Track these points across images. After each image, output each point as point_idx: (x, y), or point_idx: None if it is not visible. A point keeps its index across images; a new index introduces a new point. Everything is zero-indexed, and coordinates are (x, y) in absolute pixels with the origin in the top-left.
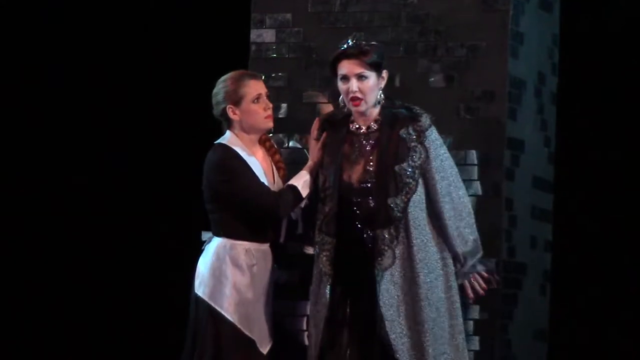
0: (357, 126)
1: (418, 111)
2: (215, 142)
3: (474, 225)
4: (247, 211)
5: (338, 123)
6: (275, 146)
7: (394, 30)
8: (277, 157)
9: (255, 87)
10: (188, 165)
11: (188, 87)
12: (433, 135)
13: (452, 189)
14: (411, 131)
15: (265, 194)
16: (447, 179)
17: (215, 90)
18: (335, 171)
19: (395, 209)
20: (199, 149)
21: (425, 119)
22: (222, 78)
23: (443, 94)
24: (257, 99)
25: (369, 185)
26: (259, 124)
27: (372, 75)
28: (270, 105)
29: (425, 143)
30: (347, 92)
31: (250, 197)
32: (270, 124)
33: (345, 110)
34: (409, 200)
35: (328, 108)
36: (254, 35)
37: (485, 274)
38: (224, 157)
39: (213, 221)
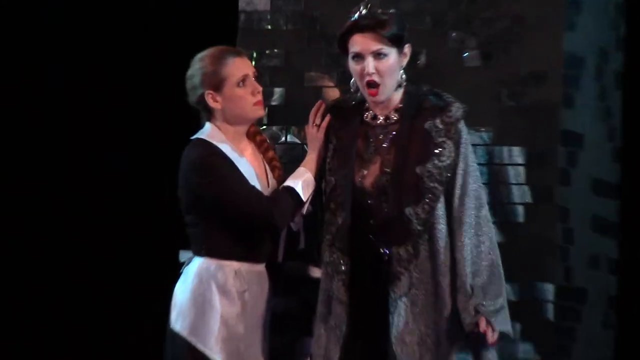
0: (372, 115)
1: (449, 99)
2: (193, 138)
3: (496, 258)
4: (236, 222)
5: (349, 112)
6: (269, 141)
7: None
8: (271, 154)
9: (240, 67)
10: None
11: (164, 67)
12: (465, 131)
13: (473, 205)
14: (439, 124)
15: (257, 200)
16: (473, 192)
17: (189, 72)
18: (347, 174)
19: (414, 220)
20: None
21: (457, 110)
22: (198, 56)
23: (480, 75)
24: (243, 81)
25: (386, 190)
26: (246, 113)
27: (392, 52)
28: (260, 89)
29: (455, 139)
30: (362, 74)
31: (238, 205)
32: (260, 112)
33: (358, 95)
34: (432, 210)
35: (335, 94)
36: (243, 2)
37: (494, 336)
38: (204, 155)
39: (193, 237)
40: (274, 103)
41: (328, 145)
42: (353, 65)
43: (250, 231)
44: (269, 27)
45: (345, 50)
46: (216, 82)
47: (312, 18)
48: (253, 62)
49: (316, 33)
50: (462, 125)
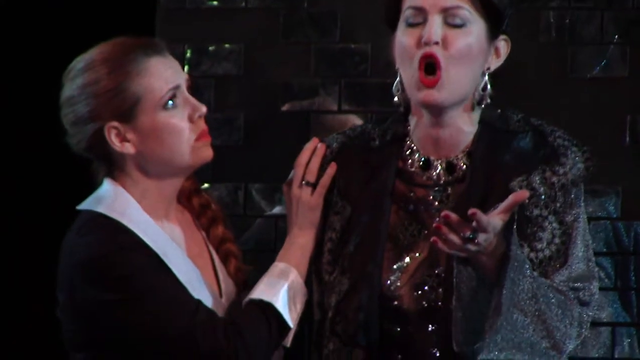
0: (421, 161)
1: (560, 140)
2: (82, 207)
3: None
4: None
5: (373, 156)
6: (215, 206)
7: None
8: (221, 230)
9: (165, 74)
10: None
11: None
12: (582, 201)
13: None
14: (538, 184)
15: (207, 329)
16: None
17: (67, 93)
18: (370, 272)
19: None
20: None
21: (575, 162)
22: (83, 61)
23: (618, 94)
24: (173, 98)
25: (437, 305)
26: (182, 156)
27: (476, 25)
28: (203, 109)
29: (566, 214)
30: (414, 46)
31: (172, 336)
32: (207, 152)
33: (390, 125)
34: None
35: (348, 123)
36: None
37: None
38: (106, 248)
39: None
40: (226, 142)
41: (330, 220)
42: (403, 36)
43: None
44: (216, 3)
45: (394, 12)
46: (123, 107)
47: None
48: (185, 68)
49: (301, 14)
50: (580, 191)
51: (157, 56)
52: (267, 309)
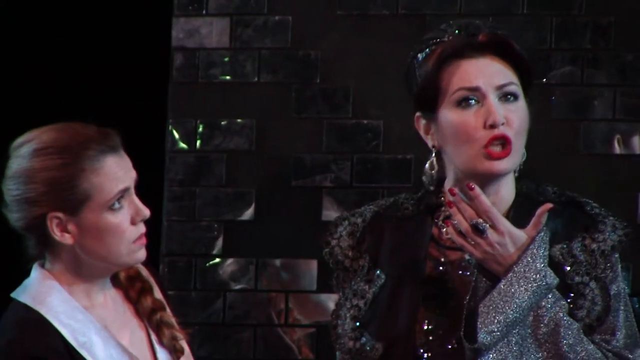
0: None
1: (597, 209)
2: (13, 296)
3: None
4: None
5: (407, 222)
6: (145, 276)
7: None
8: (150, 301)
9: (118, 175)
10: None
11: None
12: (620, 269)
13: None
14: (578, 251)
15: None
16: None
17: (17, 168)
18: (406, 334)
19: None
20: None
21: (613, 229)
22: (39, 142)
23: (630, 171)
24: (120, 199)
25: None
26: (117, 256)
27: (522, 95)
28: (146, 213)
29: (606, 280)
30: (481, 125)
31: None
32: (140, 255)
33: (421, 196)
34: None
35: (359, 199)
36: (179, 30)
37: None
38: (12, 350)
39: None
40: (237, 217)
41: (359, 288)
42: (458, 118)
43: None
44: (228, 77)
45: (432, 93)
46: (71, 202)
47: (306, 61)
48: (198, 142)
49: (314, 89)
50: (618, 259)
51: (112, 155)
52: None
